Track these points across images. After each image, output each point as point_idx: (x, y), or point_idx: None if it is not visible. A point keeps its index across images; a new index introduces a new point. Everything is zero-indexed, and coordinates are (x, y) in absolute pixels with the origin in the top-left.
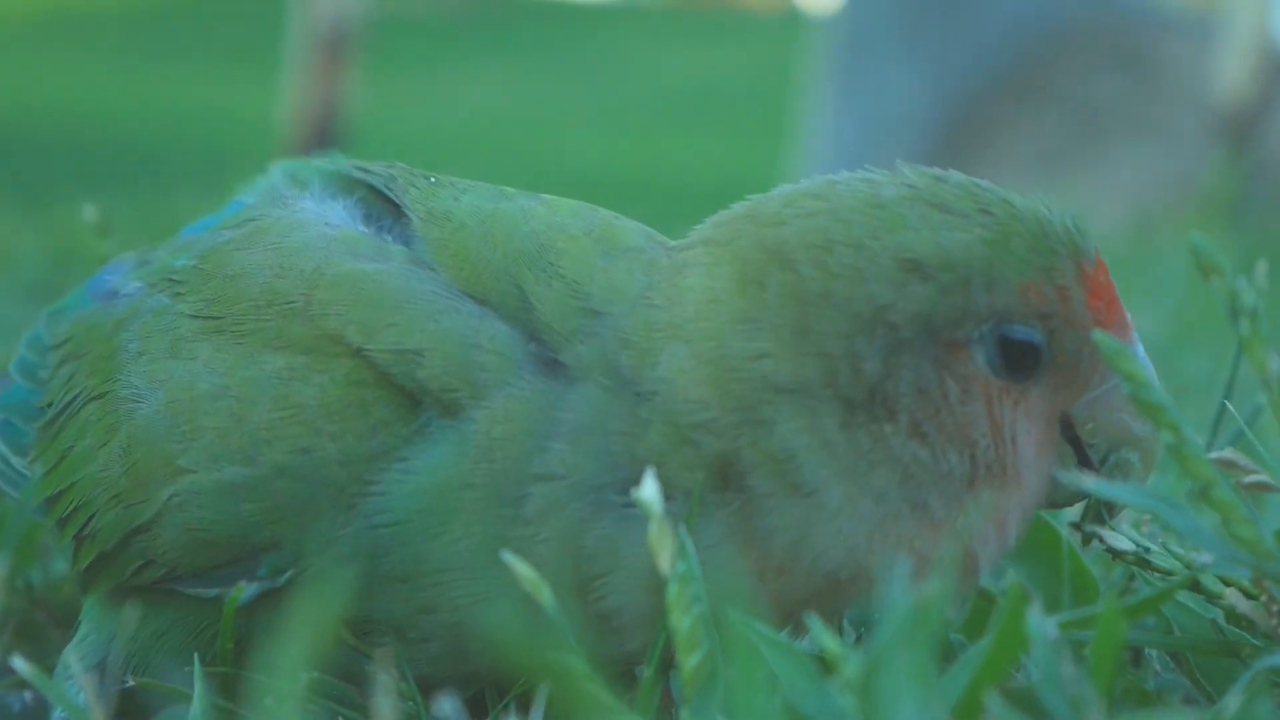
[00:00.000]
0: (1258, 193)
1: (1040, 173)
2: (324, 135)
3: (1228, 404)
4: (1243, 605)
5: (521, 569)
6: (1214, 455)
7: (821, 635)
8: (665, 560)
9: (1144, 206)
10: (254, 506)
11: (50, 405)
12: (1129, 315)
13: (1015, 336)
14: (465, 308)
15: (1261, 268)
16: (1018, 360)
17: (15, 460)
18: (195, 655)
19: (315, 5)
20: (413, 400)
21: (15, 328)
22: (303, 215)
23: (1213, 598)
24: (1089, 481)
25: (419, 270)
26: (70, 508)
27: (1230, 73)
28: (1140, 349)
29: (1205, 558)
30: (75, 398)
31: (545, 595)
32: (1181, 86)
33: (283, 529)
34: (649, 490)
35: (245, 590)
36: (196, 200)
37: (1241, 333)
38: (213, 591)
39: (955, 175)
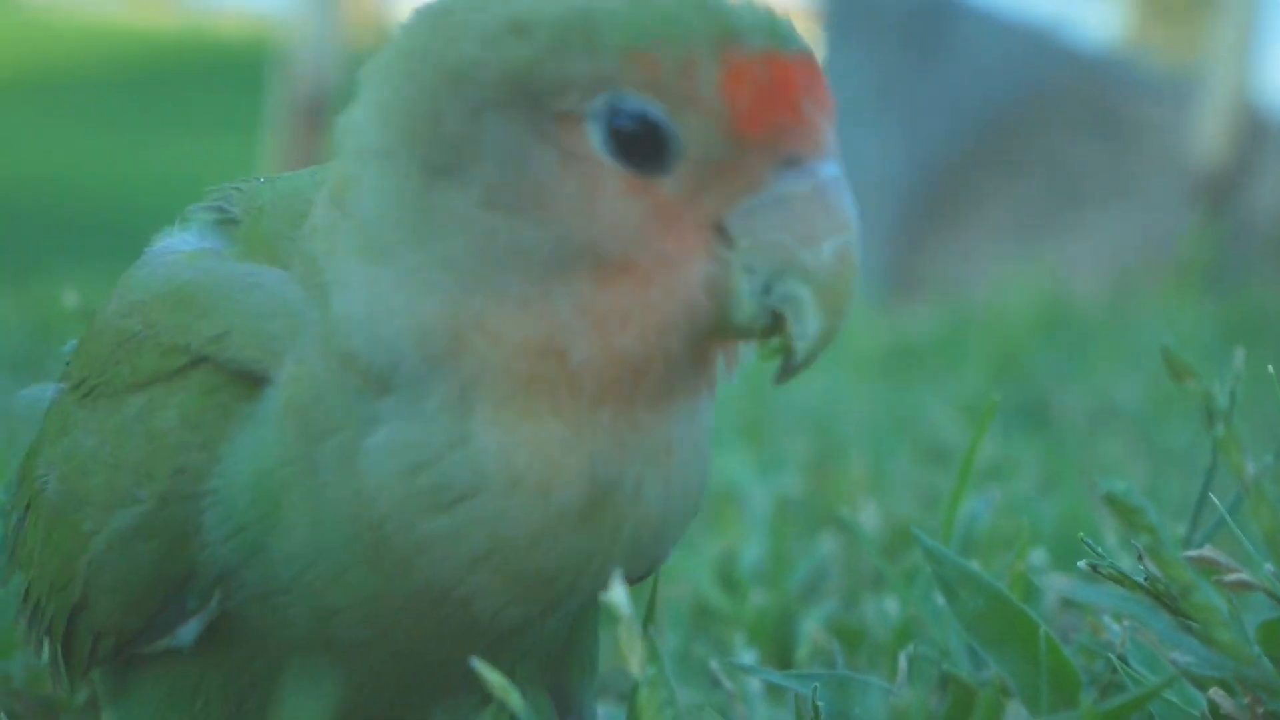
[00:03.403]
0: (1236, 256)
1: (1018, 238)
2: None
3: (1211, 496)
4: (1227, 704)
5: (490, 676)
6: (1193, 554)
7: None
8: (635, 663)
9: (1122, 271)
10: (155, 543)
11: (8, 534)
12: (820, 124)
13: (624, 107)
14: (268, 279)
15: (1239, 354)
16: (636, 142)
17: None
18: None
19: (294, 73)
20: (260, 385)
21: None
22: (150, 254)
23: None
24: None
25: (237, 261)
26: (31, 609)
27: (1207, 136)
28: (827, 170)
29: (1186, 658)
30: (21, 514)
31: (514, 699)
32: (1159, 150)
33: (188, 555)
34: (617, 593)
35: (185, 631)
36: None
37: (1217, 436)
38: (163, 642)
39: None
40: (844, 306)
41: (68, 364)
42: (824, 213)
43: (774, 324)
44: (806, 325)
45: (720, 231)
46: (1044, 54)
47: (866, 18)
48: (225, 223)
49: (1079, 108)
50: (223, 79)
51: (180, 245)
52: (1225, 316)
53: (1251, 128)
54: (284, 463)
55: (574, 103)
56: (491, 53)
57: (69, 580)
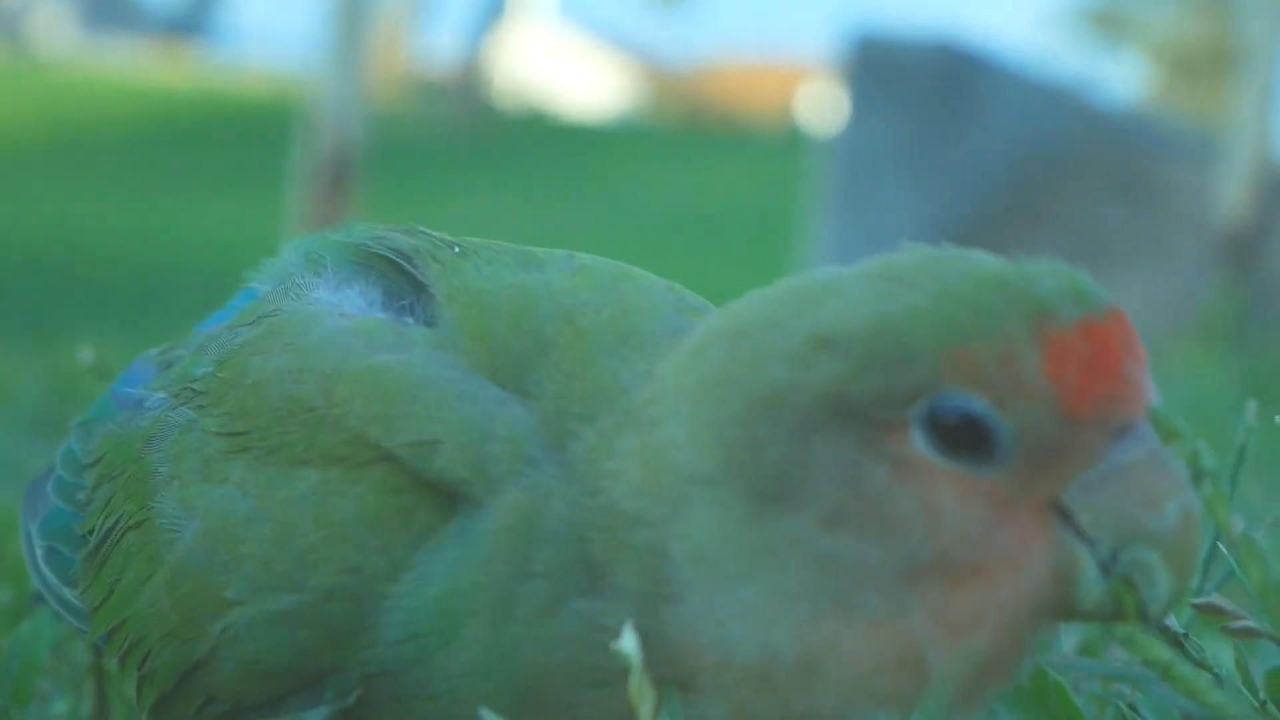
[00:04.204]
0: (1260, 314)
1: None
2: None
3: (1219, 545)
4: None
5: None
6: (1199, 601)
7: None
8: (646, 713)
9: (1146, 330)
10: (309, 634)
11: (92, 532)
12: (1144, 386)
13: (947, 409)
14: (484, 393)
15: (1251, 408)
16: (962, 439)
17: (66, 591)
18: None
19: (318, 132)
20: (450, 498)
21: (17, 463)
22: (317, 308)
23: None
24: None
25: (440, 355)
26: (127, 645)
27: (1230, 195)
28: (1147, 438)
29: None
30: (115, 525)
31: None
32: (1182, 210)
33: (343, 653)
34: (629, 643)
35: (314, 714)
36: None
37: (1204, 493)
38: None
39: (949, 250)
40: (1192, 563)
41: (195, 389)
42: (1163, 475)
43: (1118, 598)
44: (1158, 588)
45: (1056, 511)
46: (1068, 114)
47: (890, 77)
48: (401, 280)
49: (1103, 168)
50: (246, 137)
51: (345, 305)
52: (1248, 375)
53: (1273, 188)
54: (481, 587)
55: (897, 410)
56: (804, 374)
57: (194, 637)
